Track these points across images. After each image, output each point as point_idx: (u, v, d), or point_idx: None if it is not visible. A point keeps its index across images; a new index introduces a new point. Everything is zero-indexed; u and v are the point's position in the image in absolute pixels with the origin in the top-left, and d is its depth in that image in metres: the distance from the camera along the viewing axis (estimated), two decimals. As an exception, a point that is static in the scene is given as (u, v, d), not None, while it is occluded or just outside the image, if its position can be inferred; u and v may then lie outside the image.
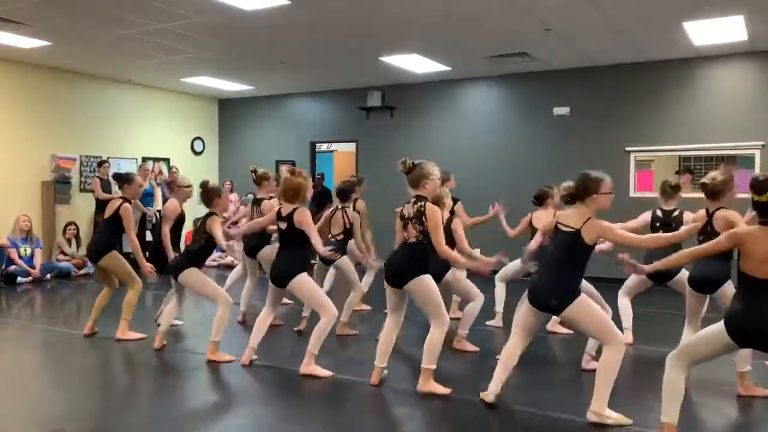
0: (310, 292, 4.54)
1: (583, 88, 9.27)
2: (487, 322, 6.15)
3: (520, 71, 9.55)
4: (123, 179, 5.74)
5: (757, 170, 8.16)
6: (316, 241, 4.47)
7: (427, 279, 4.05)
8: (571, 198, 3.77)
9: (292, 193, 4.57)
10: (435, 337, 4.05)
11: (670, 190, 5.12)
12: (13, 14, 6.83)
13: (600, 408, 3.56)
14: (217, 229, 4.92)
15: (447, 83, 10.25)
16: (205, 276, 5.08)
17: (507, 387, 3.89)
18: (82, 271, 9.33)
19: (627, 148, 8.94)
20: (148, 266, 5.58)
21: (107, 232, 5.60)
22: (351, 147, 11.60)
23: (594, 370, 3.75)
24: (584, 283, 3.83)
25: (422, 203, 4.06)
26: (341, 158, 13.33)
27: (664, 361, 3.24)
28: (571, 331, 5.85)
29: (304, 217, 4.47)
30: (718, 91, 8.54)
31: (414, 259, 4.05)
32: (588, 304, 3.57)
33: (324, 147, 12.59)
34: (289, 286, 4.54)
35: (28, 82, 9.48)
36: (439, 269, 4.83)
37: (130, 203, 5.62)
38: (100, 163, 10.00)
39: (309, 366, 4.49)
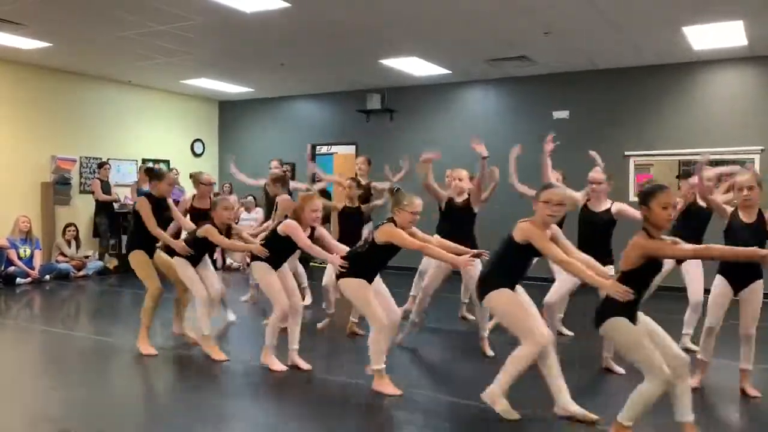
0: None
1: (583, 92, 9.29)
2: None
3: (519, 74, 9.56)
4: (153, 174, 5.32)
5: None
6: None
7: (352, 282, 4.17)
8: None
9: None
10: (371, 337, 4.15)
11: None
12: (14, 15, 6.84)
13: (495, 393, 3.69)
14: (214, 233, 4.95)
15: (447, 86, 10.26)
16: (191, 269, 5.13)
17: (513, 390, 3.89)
18: (81, 273, 9.33)
19: (626, 153, 8.95)
20: (180, 244, 5.08)
21: (131, 232, 5.32)
22: (351, 149, 11.61)
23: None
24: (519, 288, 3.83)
25: (384, 222, 4.17)
26: (341, 161, 13.32)
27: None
28: (572, 333, 5.86)
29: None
30: (717, 96, 8.55)
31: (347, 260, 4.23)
32: (504, 300, 3.69)
33: (324, 149, 12.58)
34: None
35: (28, 83, 9.48)
36: None
37: (152, 198, 5.16)
38: (100, 165, 10.01)
39: (267, 357, 4.70)
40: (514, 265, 3.75)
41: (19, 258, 8.66)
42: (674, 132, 8.73)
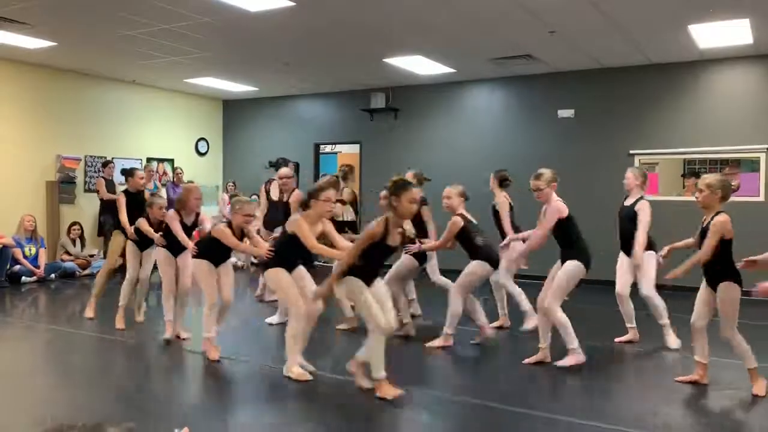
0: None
1: (588, 91, 9.26)
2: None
3: (524, 73, 9.54)
4: (126, 173, 6.57)
5: (762, 173, 8.15)
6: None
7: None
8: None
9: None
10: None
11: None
12: (18, 14, 6.86)
13: (290, 364, 4.40)
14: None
15: (451, 85, 10.24)
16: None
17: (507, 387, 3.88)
18: (86, 271, 9.36)
19: (631, 151, 8.92)
20: (153, 235, 5.61)
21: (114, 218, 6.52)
22: (355, 149, 11.61)
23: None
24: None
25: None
26: (345, 160, 13.32)
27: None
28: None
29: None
30: (723, 94, 8.52)
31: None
32: (277, 276, 4.43)
33: (328, 148, 12.59)
34: None
35: (33, 83, 9.51)
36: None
37: (128, 193, 6.32)
38: (105, 164, 10.02)
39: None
40: (287, 249, 4.45)
41: (25, 257, 8.69)
42: (679, 131, 8.70)
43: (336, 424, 3.70)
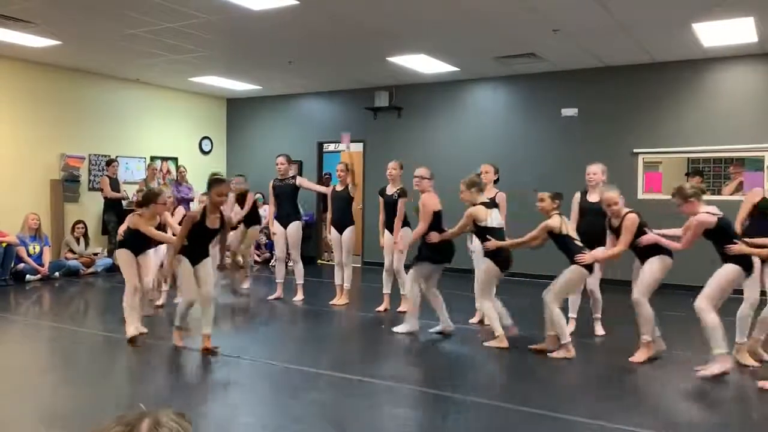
0: None
1: (592, 90, 9.24)
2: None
3: (528, 72, 9.53)
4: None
5: (766, 172, 8.11)
6: None
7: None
8: None
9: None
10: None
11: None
12: (24, 13, 6.87)
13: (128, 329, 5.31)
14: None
15: (455, 84, 10.24)
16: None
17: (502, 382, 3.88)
18: (90, 270, 9.38)
19: (635, 150, 8.90)
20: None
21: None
22: (358, 147, 11.60)
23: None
24: None
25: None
26: (348, 158, 13.31)
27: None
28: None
29: None
30: (727, 93, 8.49)
31: None
32: (121, 257, 5.49)
33: (331, 147, 12.59)
34: None
35: (37, 81, 9.53)
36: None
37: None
38: (109, 162, 10.05)
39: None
40: (132, 240, 5.52)
41: (29, 255, 8.71)
42: (683, 129, 8.68)
43: (341, 422, 3.70)
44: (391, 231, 6.73)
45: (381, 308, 6.86)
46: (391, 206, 6.70)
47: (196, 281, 5.06)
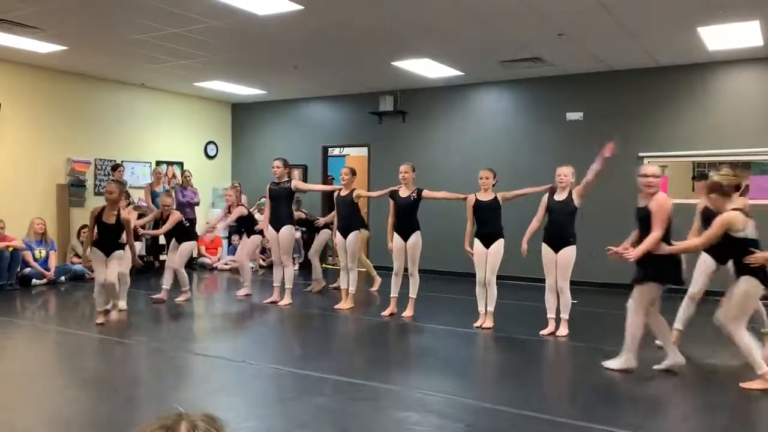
0: None
1: (597, 93, 9.23)
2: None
3: (532, 76, 9.52)
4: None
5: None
6: None
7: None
8: None
9: None
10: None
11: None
12: (30, 19, 6.91)
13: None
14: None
15: (459, 88, 10.24)
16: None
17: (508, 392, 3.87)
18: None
19: (640, 154, 8.87)
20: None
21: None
22: (363, 151, 11.62)
23: None
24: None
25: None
26: (353, 162, 13.33)
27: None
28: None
29: None
30: (732, 97, 8.47)
31: None
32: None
33: (336, 151, 12.61)
34: None
35: (44, 86, 9.57)
36: None
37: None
38: (114, 167, 10.08)
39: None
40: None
41: (35, 259, 8.73)
42: (689, 133, 8.65)
43: (345, 426, 3.69)
44: (401, 234, 6.73)
45: (387, 312, 6.85)
46: (406, 208, 6.72)
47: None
